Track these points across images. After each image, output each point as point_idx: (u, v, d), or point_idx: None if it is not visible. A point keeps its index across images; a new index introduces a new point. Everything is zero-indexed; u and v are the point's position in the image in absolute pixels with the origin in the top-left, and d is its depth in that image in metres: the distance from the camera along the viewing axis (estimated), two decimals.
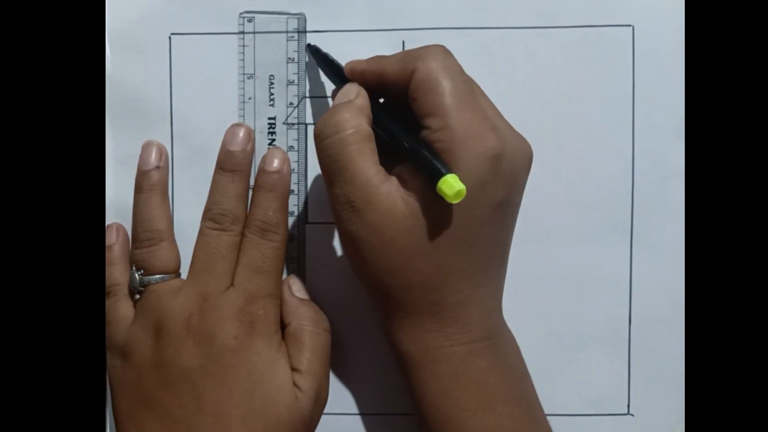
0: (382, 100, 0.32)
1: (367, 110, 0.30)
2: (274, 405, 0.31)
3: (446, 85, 0.28)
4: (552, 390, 0.35)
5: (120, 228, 0.35)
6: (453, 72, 0.29)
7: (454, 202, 0.27)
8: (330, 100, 0.35)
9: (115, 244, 0.35)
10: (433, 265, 0.29)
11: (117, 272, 0.34)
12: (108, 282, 0.34)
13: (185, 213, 0.36)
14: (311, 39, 0.35)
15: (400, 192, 0.29)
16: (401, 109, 0.30)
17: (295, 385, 0.32)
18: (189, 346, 0.31)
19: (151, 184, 0.35)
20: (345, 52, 0.35)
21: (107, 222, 0.36)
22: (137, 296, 0.33)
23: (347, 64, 0.32)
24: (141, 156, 0.35)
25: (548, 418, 0.35)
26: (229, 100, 0.35)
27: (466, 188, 0.27)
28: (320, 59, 0.34)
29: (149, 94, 0.36)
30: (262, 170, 0.34)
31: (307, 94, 0.35)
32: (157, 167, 0.35)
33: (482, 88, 0.35)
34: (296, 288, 0.35)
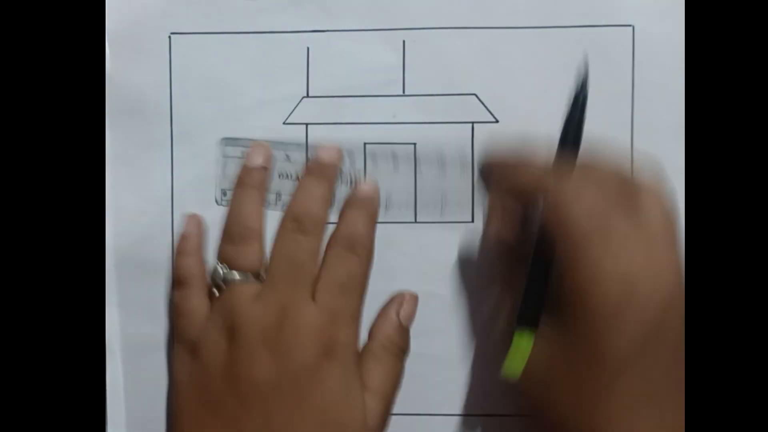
0: None
1: None
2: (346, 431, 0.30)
3: (578, 216, 0.28)
4: None
5: (201, 222, 0.35)
6: (586, 201, 0.28)
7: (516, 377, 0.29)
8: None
9: (193, 235, 0.34)
10: (571, 394, 0.28)
11: (191, 263, 0.34)
12: (181, 272, 0.34)
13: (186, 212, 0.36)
14: (311, 39, 0.35)
15: None
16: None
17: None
18: (264, 359, 0.30)
19: (254, 182, 0.34)
20: (345, 52, 0.35)
21: (107, 220, 0.36)
22: (216, 292, 0.33)
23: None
24: (249, 154, 0.34)
25: None
26: (229, 100, 0.35)
27: (601, 319, 0.27)
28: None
29: (149, 94, 0.36)
30: (354, 192, 0.34)
31: (308, 94, 0.35)
32: (264, 168, 0.34)
33: (482, 88, 0.35)
34: (404, 313, 0.34)
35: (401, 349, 0.34)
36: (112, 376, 0.36)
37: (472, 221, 0.35)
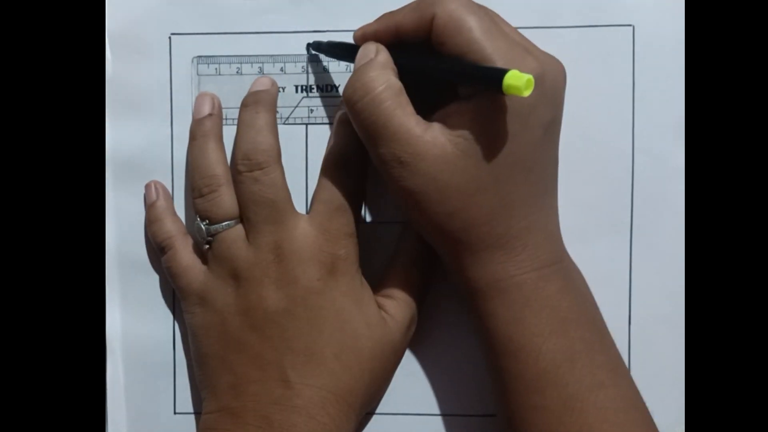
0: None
1: (391, 64, 0.30)
2: (365, 340, 0.32)
3: (471, 21, 0.29)
4: None
5: (158, 184, 0.35)
6: (473, 8, 0.29)
7: (527, 93, 0.26)
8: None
9: (156, 200, 0.35)
10: (495, 197, 0.29)
11: (167, 225, 0.34)
12: (160, 237, 0.34)
13: (187, 211, 0.36)
14: (311, 39, 0.35)
15: (446, 135, 0.29)
16: (422, 52, 0.30)
17: (386, 312, 0.33)
18: (272, 291, 0.31)
19: (204, 131, 0.34)
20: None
21: (107, 220, 0.36)
22: (206, 246, 0.33)
23: (356, 31, 0.32)
24: (195, 106, 0.35)
25: None
26: (229, 100, 0.35)
27: (517, 112, 0.28)
28: (326, 48, 0.34)
29: (149, 94, 0.36)
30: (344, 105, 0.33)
31: (308, 94, 0.35)
32: (210, 114, 0.34)
33: None
34: None
35: (428, 260, 0.34)
36: (112, 376, 0.36)
37: None
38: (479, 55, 0.28)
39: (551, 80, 0.29)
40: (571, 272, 0.32)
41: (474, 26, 0.28)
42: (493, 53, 0.28)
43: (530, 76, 0.27)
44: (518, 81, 0.26)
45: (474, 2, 0.30)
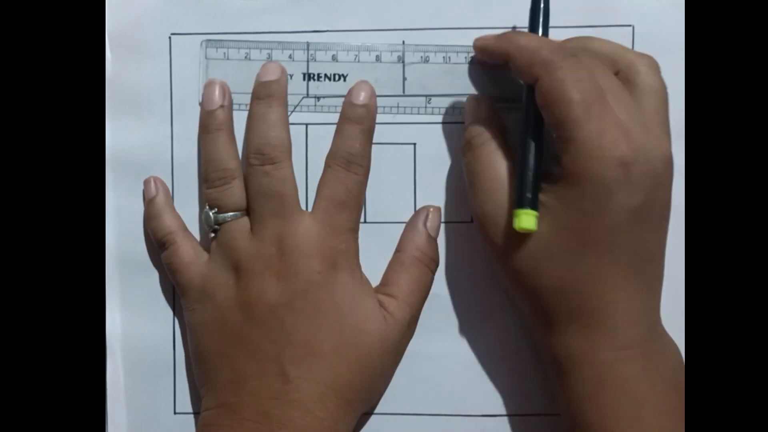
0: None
1: (494, 118, 0.33)
2: (365, 335, 0.32)
3: (573, 97, 0.28)
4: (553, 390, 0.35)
5: (157, 180, 0.35)
6: (580, 83, 0.29)
7: (519, 230, 0.29)
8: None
9: (156, 196, 0.35)
10: (564, 269, 0.29)
11: (167, 221, 0.34)
12: (161, 233, 0.34)
13: (187, 212, 0.36)
14: (311, 39, 0.35)
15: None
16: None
17: (387, 310, 0.33)
18: (272, 283, 0.31)
19: (218, 123, 0.34)
20: (345, 51, 0.35)
21: (107, 220, 0.36)
22: (212, 235, 0.33)
23: (476, 40, 0.33)
24: (204, 96, 0.34)
25: (549, 418, 0.35)
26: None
27: (594, 195, 0.28)
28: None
29: (149, 94, 0.36)
30: (349, 103, 0.34)
31: (308, 94, 0.35)
32: (222, 106, 0.34)
33: (482, 88, 0.35)
34: (431, 224, 0.34)
35: (432, 260, 0.34)
36: (112, 376, 0.36)
37: (472, 221, 0.35)
38: (569, 134, 0.28)
39: (642, 166, 0.28)
40: (660, 357, 0.30)
41: (573, 103, 0.28)
42: (582, 136, 0.28)
43: (527, 226, 0.29)
44: (517, 223, 0.29)
45: (586, 76, 0.29)
